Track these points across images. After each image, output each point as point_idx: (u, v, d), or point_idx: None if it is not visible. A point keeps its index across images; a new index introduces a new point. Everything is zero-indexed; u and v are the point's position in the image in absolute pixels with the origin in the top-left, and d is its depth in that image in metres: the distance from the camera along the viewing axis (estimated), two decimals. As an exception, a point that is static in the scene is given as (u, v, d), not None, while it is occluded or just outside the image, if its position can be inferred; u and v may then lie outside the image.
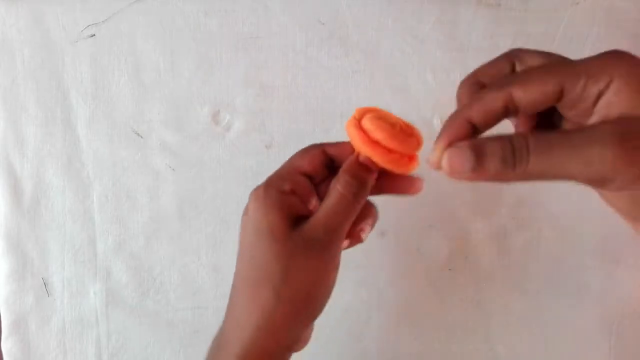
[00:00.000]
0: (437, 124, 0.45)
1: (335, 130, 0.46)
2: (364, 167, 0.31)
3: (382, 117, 0.31)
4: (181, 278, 0.46)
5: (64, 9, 0.45)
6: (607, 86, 0.22)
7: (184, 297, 0.46)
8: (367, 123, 0.30)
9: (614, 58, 0.23)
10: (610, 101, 0.22)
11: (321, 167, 0.32)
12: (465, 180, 0.25)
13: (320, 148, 0.32)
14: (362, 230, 0.32)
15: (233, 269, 0.46)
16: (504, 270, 0.46)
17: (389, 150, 0.30)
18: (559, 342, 0.46)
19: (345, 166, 0.31)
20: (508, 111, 0.25)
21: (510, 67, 0.28)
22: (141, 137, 0.46)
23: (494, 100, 0.25)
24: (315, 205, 0.31)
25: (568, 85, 0.23)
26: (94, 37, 0.45)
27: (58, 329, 0.46)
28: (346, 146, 0.32)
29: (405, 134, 0.31)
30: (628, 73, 0.22)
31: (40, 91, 0.45)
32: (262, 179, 0.43)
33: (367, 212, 0.32)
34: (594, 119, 0.23)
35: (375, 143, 0.30)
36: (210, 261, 0.46)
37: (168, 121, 0.46)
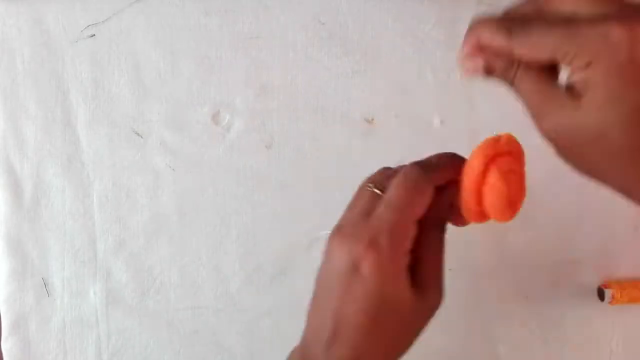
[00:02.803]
0: (437, 124, 0.45)
1: (335, 131, 0.46)
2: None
3: (509, 174, 0.28)
4: (181, 278, 0.46)
5: (64, 9, 0.45)
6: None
7: (184, 297, 0.46)
8: (492, 177, 0.27)
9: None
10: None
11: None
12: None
13: (432, 185, 0.29)
14: None
15: (233, 269, 0.46)
16: (504, 270, 0.46)
17: (482, 211, 0.28)
18: (559, 343, 0.46)
19: (443, 218, 0.30)
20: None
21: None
22: (141, 137, 0.46)
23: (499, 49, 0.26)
24: None
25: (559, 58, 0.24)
26: (94, 37, 0.45)
27: (58, 329, 0.46)
28: (448, 174, 0.29)
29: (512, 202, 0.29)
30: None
31: (40, 91, 0.45)
32: (262, 179, 0.43)
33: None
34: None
35: (480, 197, 0.28)
36: (210, 261, 0.46)
37: (168, 121, 0.46)
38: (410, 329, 0.30)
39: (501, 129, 0.45)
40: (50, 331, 0.46)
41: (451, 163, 0.30)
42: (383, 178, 0.31)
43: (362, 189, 0.31)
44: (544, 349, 0.46)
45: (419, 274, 0.29)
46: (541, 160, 0.45)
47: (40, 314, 0.46)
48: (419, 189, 0.28)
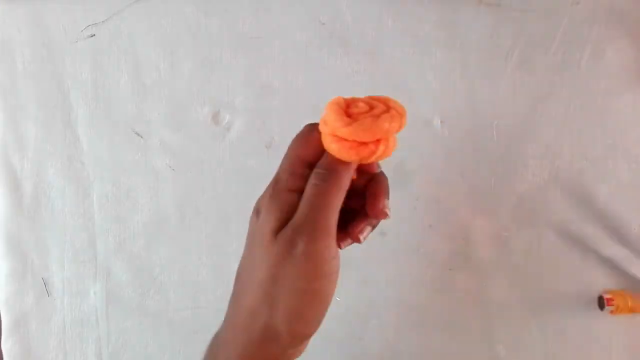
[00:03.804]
0: (438, 124, 0.45)
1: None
2: (336, 159, 0.28)
3: (351, 101, 0.29)
4: (181, 278, 0.46)
5: (64, 9, 0.45)
6: None
7: (184, 297, 0.46)
8: (325, 111, 0.28)
9: None
10: None
11: (323, 152, 0.30)
12: None
13: (318, 132, 0.30)
14: (360, 232, 0.30)
15: (233, 269, 0.46)
16: (504, 270, 0.46)
17: (340, 138, 0.28)
18: (559, 342, 0.46)
19: (321, 159, 0.29)
20: None
21: None
22: (141, 137, 0.46)
23: None
24: None
25: None
26: (94, 37, 0.45)
27: (58, 329, 0.46)
28: None
29: (358, 119, 0.28)
30: None
31: (40, 91, 0.45)
32: (262, 178, 0.43)
33: (370, 213, 0.30)
34: None
35: (333, 134, 0.28)
36: (210, 261, 0.46)
37: (168, 121, 0.46)
38: (276, 271, 0.27)
39: (501, 129, 0.45)
40: (50, 331, 0.46)
41: None
42: None
43: None
44: (544, 349, 0.46)
45: (293, 218, 0.28)
46: (541, 166, 0.45)
47: (40, 314, 0.46)
48: (300, 133, 0.30)
